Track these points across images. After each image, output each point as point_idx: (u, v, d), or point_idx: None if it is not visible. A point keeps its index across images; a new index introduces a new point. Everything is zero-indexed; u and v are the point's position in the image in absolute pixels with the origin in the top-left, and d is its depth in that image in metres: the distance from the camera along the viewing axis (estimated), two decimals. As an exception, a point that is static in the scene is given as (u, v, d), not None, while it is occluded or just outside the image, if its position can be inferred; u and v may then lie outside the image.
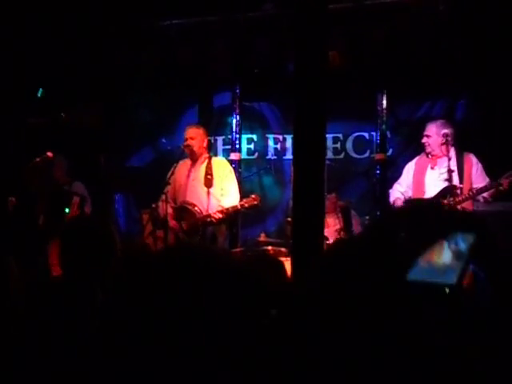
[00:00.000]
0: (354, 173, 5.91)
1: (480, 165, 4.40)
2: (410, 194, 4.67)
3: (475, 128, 5.40)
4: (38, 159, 5.04)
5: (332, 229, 5.24)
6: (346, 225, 5.39)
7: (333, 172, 5.68)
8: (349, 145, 6.26)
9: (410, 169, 4.73)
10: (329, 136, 5.98)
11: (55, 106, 5.75)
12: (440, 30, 5.01)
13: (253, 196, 4.65)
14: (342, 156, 6.25)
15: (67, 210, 5.09)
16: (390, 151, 5.71)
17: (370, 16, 5.13)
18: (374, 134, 5.90)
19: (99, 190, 5.65)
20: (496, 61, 5.08)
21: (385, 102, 5.61)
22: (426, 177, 4.57)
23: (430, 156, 4.59)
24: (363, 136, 6.20)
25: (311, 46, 3.59)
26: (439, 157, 4.55)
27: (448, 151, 4.38)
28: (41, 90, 5.51)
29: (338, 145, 6.26)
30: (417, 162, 4.72)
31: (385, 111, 5.61)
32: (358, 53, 5.26)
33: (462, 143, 4.53)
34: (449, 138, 4.38)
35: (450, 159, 4.42)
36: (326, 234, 4.54)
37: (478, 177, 4.42)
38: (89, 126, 6.14)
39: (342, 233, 5.17)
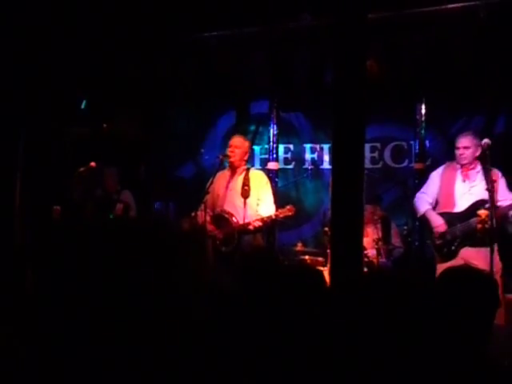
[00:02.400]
0: (392, 182, 5.87)
1: (504, 179, 4.34)
2: (433, 204, 4.61)
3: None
4: (82, 169, 5.20)
5: (370, 238, 5.21)
6: (385, 235, 5.35)
7: (371, 181, 5.70)
8: (387, 154, 6.23)
9: (435, 179, 4.67)
10: (366, 145, 5.98)
11: (98, 117, 5.90)
12: (480, 39, 4.95)
13: (288, 207, 4.67)
14: (379, 165, 6.22)
15: (111, 216, 5.27)
16: (429, 160, 5.65)
17: (410, 25, 5.11)
18: (412, 143, 5.86)
19: (140, 198, 5.77)
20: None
21: (423, 110, 5.57)
22: (455, 189, 4.52)
23: (460, 167, 4.54)
24: (401, 145, 6.16)
25: (350, 56, 3.61)
26: (470, 169, 4.52)
27: (487, 162, 4.31)
28: (84, 101, 5.67)
29: (376, 154, 6.23)
30: (444, 172, 4.65)
31: (424, 120, 5.56)
32: (396, 62, 5.24)
33: (501, 158, 4.46)
34: (488, 150, 4.30)
35: (482, 172, 4.43)
36: (364, 243, 4.53)
37: (503, 191, 4.39)
38: (130, 137, 6.28)
39: (379, 243, 5.13)
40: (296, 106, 6.39)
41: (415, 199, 4.73)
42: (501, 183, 4.38)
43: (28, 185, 5.24)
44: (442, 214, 4.53)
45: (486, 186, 4.31)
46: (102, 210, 5.38)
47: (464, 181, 4.53)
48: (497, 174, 4.42)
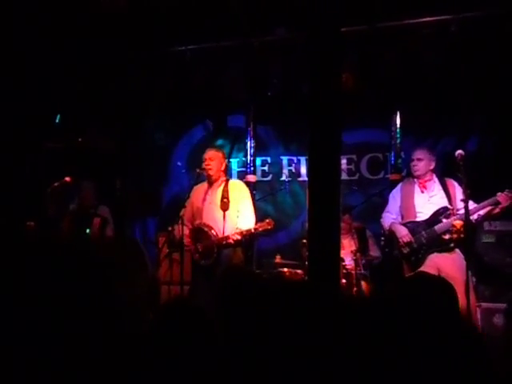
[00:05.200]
0: (369, 193, 5.92)
1: (460, 188, 4.45)
2: (399, 219, 4.74)
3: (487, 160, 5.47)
4: (56, 184, 5.13)
5: (348, 250, 5.23)
6: (362, 246, 5.38)
7: (347, 193, 5.74)
8: (363, 166, 6.28)
9: (396, 195, 4.84)
10: (343, 157, 6.02)
11: (72, 131, 5.85)
12: (452, 51, 5.05)
13: (267, 221, 4.65)
14: (356, 177, 6.27)
15: (88, 231, 5.20)
16: (405, 172, 5.71)
17: (383, 38, 5.18)
18: (388, 154, 5.93)
19: (116, 213, 5.71)
20: (509, 83, 5.10)
21: (398, 122, 5.65)
22: (415, 200, 4.67)
23: (417, 180, 4.67)
24: (377, 157, 6.22)
25: (325, 69, 3.64)
26: (426, 181, 4.67)
27: (461, 173, 4.40)
28: (58, 116, 5.61)
29: (353, 166, 6.28)
30: (402, 188, 4.82)
31: (399, 131, 5.65)
32: (371, 75, 5.30)
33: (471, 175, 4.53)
34: (462, 161, 4.38)
35: (438, 182, 4.63)
36: (341, 255, 4.54)
37: (459, 200, 4.50)
38: (105, 151, 6.23)
39: (357, 254, 5.16)
40: (271, 119, 6.41)
41: (381, 219, 4.87)
42: (458, 191, 4.51)
43: (1, 200, 5.16)
44: (406, 224, 4.63)
45: (444, 195, 4.55)
46: (78, 225, 5.31)
47: (422, 192, 4.69)
48: (453, 184, 4.60)
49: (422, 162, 4.65)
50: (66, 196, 5.35)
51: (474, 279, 4.48)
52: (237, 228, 4.65)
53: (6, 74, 5.32)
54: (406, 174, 5.60)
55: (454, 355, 1.65)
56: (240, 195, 4.80)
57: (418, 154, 4.69)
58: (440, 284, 2.08)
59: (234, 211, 4.72)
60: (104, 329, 0.93)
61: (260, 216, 4.94)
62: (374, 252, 5.56)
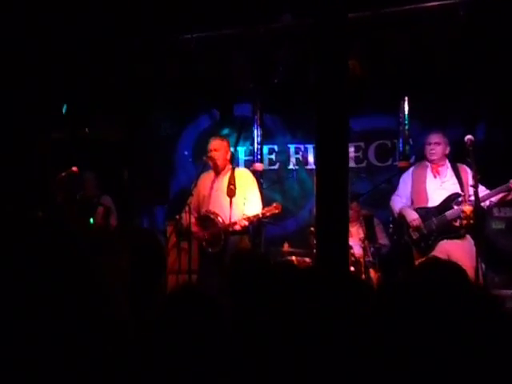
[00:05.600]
0: (377, 181, 5.89)
1: (472, 175, 4.41)
2: (409, 204, 4.70)
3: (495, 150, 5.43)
4: (63, 174, 5.14)
5: (356, 238, 5.22)
6: (370, 233, 5.37)
7: (355, 181, 5.71)
8: (371, 153, 6.25)
9: (407, 179, 4.79)
10: (350, 145, 5.99)
11: (79, 121, 5.85)
12: (460, 36, 4.99)
13: (274, 205, 4.66)
14: (364, 164, 6.24)
15: (92, 221, 5.22)
16: (413, 158, 5.68)
17: (390, 24, 5.13)
18: (396, 141, 5.89)
19: (124, 203, 5.72)
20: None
21: (406, 109, 5.60)
22: (427, 185, 4.64)
23: (430, 165, 4.61)
24: (385, 144, 6.19)
25: (331, 56, 3.60)
26: (440, 166, 4.64)
27: (471, 158, 4.36)
28: (65, 105, 5.61)
29: (360, 153, 6.25)
30: (414, 171, 4.79)
31: (407, 118, 5.60)
32: (378, 61, 5.25)
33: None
34: (471, 146, 4.35)
35: (451, 168, 4.60)
36: (350, 243, 4.53)
37: (470, 185, 4.47)
38: (112, 141, 6.23)
39: (365, 242, 5.14)
40: (278, 107, 6.38)
41: (390, 202, 4.83)
42: (470, 178, 4.48)
43: (9, 191, 5.17)
44: (416, 210, 4.59)
45: (457, 181, 4.49)
46: (82, 214, 5.33)
47: (435, 177, 4.65)
48: (466, 170, 4.55)
49: (440, 146, 4.60)
50: (73, 186, 5.36)
51: (484, 266, 4.46)
52: (244, 214, 4.65)
53: (13, 64, 5.31)
54: (415, 160, 5.57)
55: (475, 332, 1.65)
56: (247, 182, 4.80)
57: (435, 137, 4.63)
58: (453, 268, 2.07)
59: (240, 198, 4.72)
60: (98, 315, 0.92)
61: (267, 205, 4.93)
62: (383, 240, 5.54)
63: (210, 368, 0.88)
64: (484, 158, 4.80)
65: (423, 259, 4.24)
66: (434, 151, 4.61)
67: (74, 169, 5.14)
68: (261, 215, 4.64)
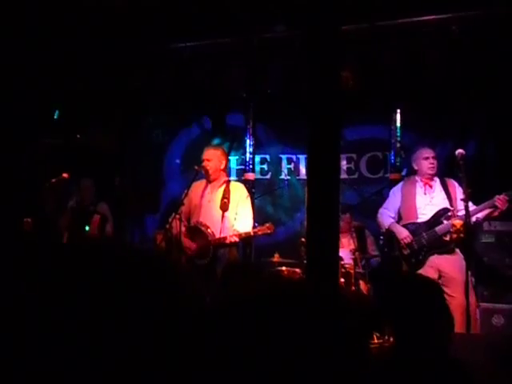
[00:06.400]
0: (368, 193, 5.90)
1: (461, 188, 4.43)
2: (397, 218, 4.72)
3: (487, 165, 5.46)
4: (53, 180, 5.10)
5: (346, 249, 5.22)
6: (361, 245, 5.36)
7: (346, 192, 5.72)
8: (362, 165, 6.26)
9: (396, 194, 4.79)
10: (342, 156, 6.00)
11: (71, 128, 5.82)
12: (452, 50, 5.03)
13: (267, 225, 4.63)
14: (355, 176, 6.25)
15: (87, 228, 5.18)
16: (405, 171, 5.69)
17: (383, 37, 5.16)
18: (387, 153, 5.91)
19: (115, 211, 5.69)
20: (509, 84, 5.08)
21: (398, 122, 5.63)
22: (416, 201, 4.64)
23: (422, 179, 4.63)
24: (377, 156, 6.20)
25: (324, 67, 3.61)
26: (431, 181, 4.65)
27: (461, 172, 4.38)
28: (57, 111, 5.59)
29: (352, 165, 6.26)
30: (404, 187, 4.79)
31: (399, 130, 5.62)
32: (371, 73, 5.28)
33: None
34: (462, 160, 4.36)
35: (439, 182, 4.62)
36: (340, 254, 4.52)
37: (459, 201, 4.49)
38: (104, 148, 6.21)
39: (356, 253, 5.14)
40: (270, 117, 6.38)
41: (378, 215, 4.82)
42: (458, 193, 4.48)
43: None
44: (406, 225, 4.60)
45: (446, 196, 4.52)
46: (77, 222, 5.29)
47: (424, 193, 4.67)
48: (454, 184, 4.57)
49: (436, 160, 4.63)
50: (63, 193, 5.33)
51: (473, 279, 4.46)
52: (234, 230, 4.62)
53: (5, 70, 5.29)
54: (406, 173, 5.59)
55: None
56: (241, 198, 4.77)
57: (431, 152, 4.65)
58: (429, 285, 2.09)
59: (232, 213, 4.70)
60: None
61: (259, 214, 4.92)
62: (373, 251, 5.54)
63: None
64: (474, 173, 4.82)
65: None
66: (433, 165, 4.61)
67: (65, 175, 5.11)
68: (252, 233, 4.62)
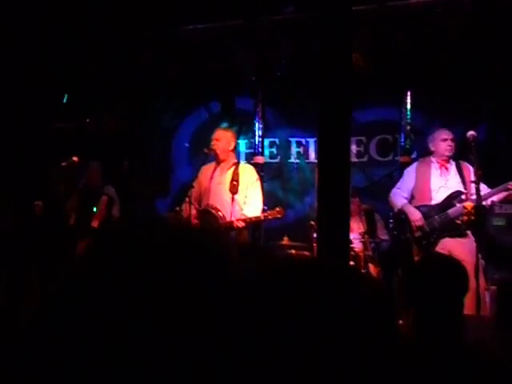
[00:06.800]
0: (378, 176, 5.88)
1: (474, 169, 4.39)
2: (409, 199, 4.69)
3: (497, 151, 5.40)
4: (63, 163, 5.12)
5: (356, 232, 5.21)
6: (370, 228, 5.36)
7: (356, 175, 5.70)
8: (372, 148, 6.23)
9: (410, 174, 4.75)
10: (352, 139, 5.97)
11: (81, 112, 5.83)
12: (464, 31, 4.96)
13: (277, 209, 4.61)
14: (365, 159, 6.22)
15: (95, 209, 5.21)
16: (415, 154, 5.66)
17: (394, 17, 5.10)
18: (397, 136, 5.86)
19: (123, 194, 5.71)
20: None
21: (409, 104, 5.57)
22: (431, 183, 4.61)
23: (439, 161, 4.59)
24: (387, 139, 6.16)
25: (335, 49, 3.58)
26: (446, 163, 4.61)
27: (473, 154, 4.35)
28: (66, 95, 5.59)
29: (362, 148, 6.23)
30: (418, 167, 4.75)
31: (409, 113, 5.57)
32: (382, 54, 5.23)
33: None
34: (473, 142, 4.33)
35: (455, 165, 4.58)
36: (350, 237, 4.51)
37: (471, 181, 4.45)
38: (113, 132, 6.21)
39: (365, 236, 5.14)
40: (280, 100, 6.35)
41: (391, 195, 4.79)
42: (472, 176, 4.46)
43: (9, 180, 5.16)
44: (419, 207, 4.58)
45: (460, 179, 4.47)
46: (84, 203, 5.32)
47: (440, 175, 4.62)
48: (468, 167, 4.53)
49: (454, 142, 4.58)
50: (74, 176, 5.35)
51: (484, 262, 4.45)
52: (242, 214, 4.61)
53: (15, 54, 5.29)
54: (416, 155, 5.55)
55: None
56: (250, 180, 4.76)
57: (449, 133, 4.59)
58: (452, 265, 2.08)
59: (241, 196, 4.69)
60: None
61: (268, 198, 4.91)
62: (383, 235, 5.54)
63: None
64: (486, 157, 4.78)
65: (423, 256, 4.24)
66: (451, 147, 4.57)
67: (75, 158, 5.14)
68: (262, 218, 4.62)
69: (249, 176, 4.78)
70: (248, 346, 0.83)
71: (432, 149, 4.66)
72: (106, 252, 0.85)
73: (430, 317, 1.92)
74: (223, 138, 4.81)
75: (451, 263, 2.12)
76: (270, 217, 4.60)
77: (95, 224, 5.20)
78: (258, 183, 4.86)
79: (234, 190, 4.65)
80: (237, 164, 4.82)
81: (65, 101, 5.68)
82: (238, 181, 4.66)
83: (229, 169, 4.78)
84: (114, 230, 0.94)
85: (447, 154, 4.59)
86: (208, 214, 4.71)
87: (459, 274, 2.03)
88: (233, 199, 4.64)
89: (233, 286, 0.87)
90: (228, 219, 4.61)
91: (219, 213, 4.65)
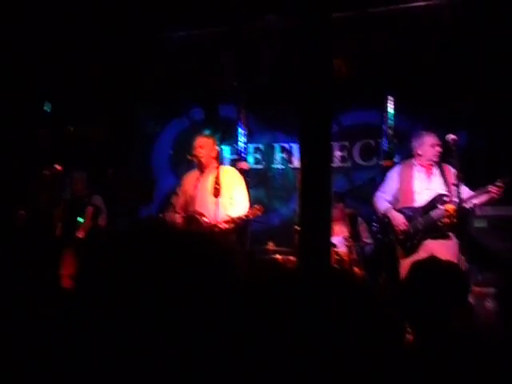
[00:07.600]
0: (361, 180, 5.92)
1: (455, 172, 4.44)
2: (393, 202, 4.71)
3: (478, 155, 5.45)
4: (47, 172, 5.10)
5: (340, 236, 5.24)
6: (354, 232, 5.39)
7: (340, 180, 5.74)
8: (355, 152, 6.27)
9: (393, 177, 4.78)
10: (336, 144, 6.02)
11: (63, 120, 5.81)
12: (444, 36, 5.03)
13: (257, 206, 4.63)
14: (349, 164, 6.26)
15: (81, 220, 5.19)
16: (397, 157, 5.71)
17: (374, 24, 5.15)
18: (380, 140, 5.92)
19: (109, 203, 5.69)
20: (501, 71, 5.08)
21: (391, 108, 5.63)
22: (414, 185, 4.64)
23: (424, 165, 4.64)
24: (370, 143, 6.22)
25: (315, 56, 3.61)
26: (430, 166, 4.63)
27: (454, 158, 4.40)
28: (49, 104, 5.57)
29: (345, 152, 6.27)
30: (401, 171, 4.77)
31: (391, 117, 5.63)
32: (363, 61, 5.28)
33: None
34: (454, 146, 4.37)
35: (437, 168, 4.59)
36: (334, 241, 4.54)
37: (452, 183, 4.49)
38: (96, 139, 6.20)
39: (350, 240, 5.17)
40: (262, 106, 6.37)
41: (374, 199, 4.81)
42: (453, 178, 4.48)
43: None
44: (402, 209, 4.61)
45: (443, 181, 4.50)
46: (70, 214, 5.30)
47: (423, 177, 4.65)
48: (450, 170, 4.57)
49: (441, 148, 4.60)
50: (57, 185, 5.33)
51: (467, 264, 4.49)
52: (227, 215, 4.62)
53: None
54: (400, 159, 5.60)
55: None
56: (232, 182, 4.77)
57: (438, 140, 4.59)
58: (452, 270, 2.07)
59: (226, 198, 4.69)
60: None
61: (253, 203, 4.91)
62: (366, 238, 5.57)
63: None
64: (467, 162, 4.83)
65: (409, 258, 4.26)
66: (439, 153, 4.60)
67: (58, 167, 5.11)
68: (244, 217, 4.62)
69: (231, 177, 4.79)
70: (248, 345, 0.85)
71: (419, 153, 4.68)
72: (112, 256, 0.87)
73: (433, 327, 1.90)
74: (206, 146, 4.82)
75: (443, 266, 2.11)
76: (251, 216, 4.61)
77: (81, 234, 5.18)
78: (242, 182, 4.86)
79: (216, 193, 4.65)
80: (218, 167, 4.84)
81: (48, 110, 5.65)
82: (219, 184, 4.67)
83: (210, 173, 4.79)
84: (117, 234, 0.95)
85: (435, 159, 4.63)
86: (192, 221, 4.72)
87: (455, 274, 2.03)
88: (217, 203, 4.64)
89: (235, 288, 0.89)
90: (213, 223, 4.61)
91: (203, 218, 4.65)
